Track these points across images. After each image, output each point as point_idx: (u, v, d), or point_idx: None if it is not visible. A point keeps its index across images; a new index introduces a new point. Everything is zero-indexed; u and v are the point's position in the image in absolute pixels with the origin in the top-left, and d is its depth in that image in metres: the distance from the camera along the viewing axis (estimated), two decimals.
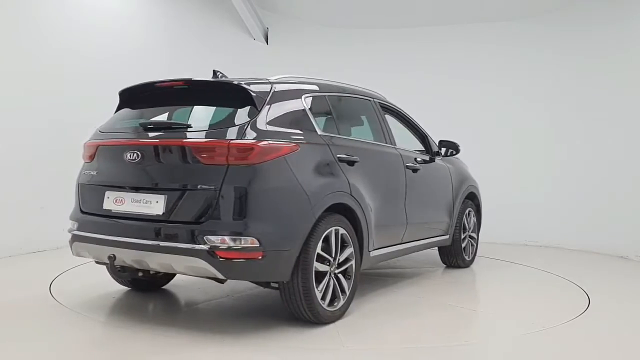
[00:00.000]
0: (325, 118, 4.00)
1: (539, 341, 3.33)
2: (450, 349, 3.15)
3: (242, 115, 3.27)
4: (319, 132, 3.63)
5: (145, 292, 4.20)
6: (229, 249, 3.00)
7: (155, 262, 3.21)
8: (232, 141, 3.10)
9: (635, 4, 6.61)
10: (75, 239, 3.51)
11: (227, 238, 3.00)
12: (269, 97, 3.38)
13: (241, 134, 3.14)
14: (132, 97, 3.76)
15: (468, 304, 4.26)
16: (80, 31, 6.30)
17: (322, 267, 3.35)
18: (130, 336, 3.19)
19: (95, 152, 3.56)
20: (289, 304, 3.32)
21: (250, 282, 3.57)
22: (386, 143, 4.39)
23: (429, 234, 4.89)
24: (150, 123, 3.48)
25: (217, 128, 3.29)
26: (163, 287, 4.34)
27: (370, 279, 4.97)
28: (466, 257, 5.50)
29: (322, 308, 3.33)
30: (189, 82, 3.50)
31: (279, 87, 3.52)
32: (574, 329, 3.56)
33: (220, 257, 3.00)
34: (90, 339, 3.18)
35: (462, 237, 5.39)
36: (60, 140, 5.76)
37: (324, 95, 3.94)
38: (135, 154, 3.28)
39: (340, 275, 3.51)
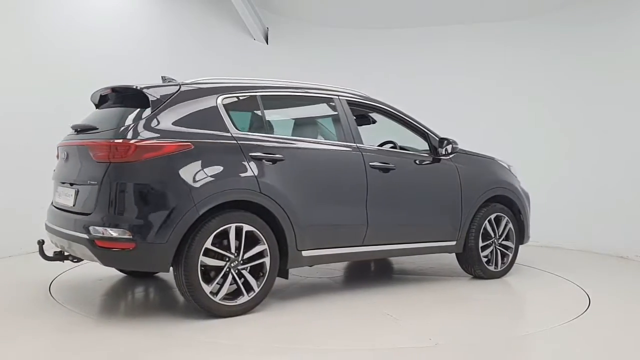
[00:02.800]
0: (254, 117, 4.13)
1: (538, 341, 3.33)
2: (318, 352, 3.04)
3: (137, 116, 3.56)
4: (233, 131, 3.71)
5: (142, 285, 4.30)
6: (105, 238, 3.32)
7: (70, 248, 3.67)
8: (113, 140, 3.42)
9: (635, 3, 6.61)
10: (45, 227, 4.04)
11: (104, 229, 3.33)
12: (169, 99, 3.61)
13: (126, 133, 3.44)
14: (97, 102, 4.20)
15: (405, 312, 3.85)
16: (80, 31, 6.30)
17: (213, 262, 3.47)
18: (130, 336, 3.20)
19: (57, 152, 4.13)
20: (180, 293, 3.57)
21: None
22: (347, 141, 4.25)
23: (419, 238, 4.61)
24: (77, 126, 3.89)
25: (113, 129, 3.55)
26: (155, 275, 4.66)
27: (355, 280, 4.96)
28: (490, 268, 4.94)
29: (212, 301, 3.45)
30: (113, 89, 3.89)
31: (186, 90, 3.73)
32: (574, 329, 3.56)
33: (99, 246, 3.33)
34: (90, 339, 3.17)
35: (483, 244, 4.87)
36: (60, 140, 5.76)
37: (255, 95, 4.00)
38: (64, 154, 3.86)
39: (245, 272, 3.58)
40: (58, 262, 3.96)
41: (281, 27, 8.82)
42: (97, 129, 3.67)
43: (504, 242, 5.08)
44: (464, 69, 8.03)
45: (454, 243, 4.78)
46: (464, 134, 6.56)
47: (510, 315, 3.98)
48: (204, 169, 3.51)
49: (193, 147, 3.50)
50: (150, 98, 3.58)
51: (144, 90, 3.62)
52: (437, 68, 8.15)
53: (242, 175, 3.62)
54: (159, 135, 3.46)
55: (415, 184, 4.59)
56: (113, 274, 4.64)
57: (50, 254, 3.91)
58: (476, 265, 4.88)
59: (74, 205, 3.60)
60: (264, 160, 3.72)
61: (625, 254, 6.45)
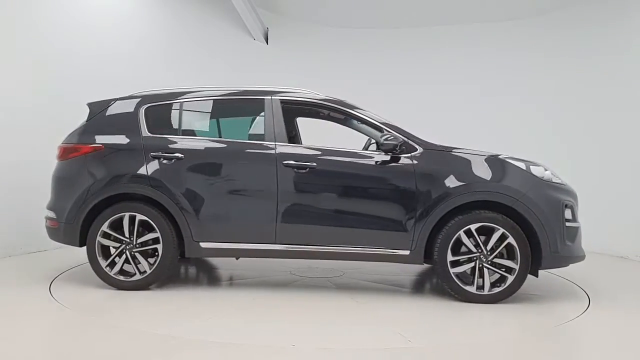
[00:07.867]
0: (173, 121, 4.60)
1: (538, 341, 3.33)
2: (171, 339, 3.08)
3: (81, 124, 4.55)
4: (145, 134, 4.37)
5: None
6: (47, 218, 4.47)
7: None
8: (59, 144, 4.54)
9: (635, 3, 6.62)
10: None
11: (48, 211, 4.46)
12: (102, 110, 4.53)
13: (66, 138, 4.52)
14: None
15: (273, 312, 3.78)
16: (79, 31, 6.31)
17: (108, 243, 4.26)
18: (130, 336, 3.20)
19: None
20: None
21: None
22: (269, 140, 4.29)
23: (355, 242, 4.19)
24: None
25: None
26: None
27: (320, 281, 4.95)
28: (468, 289, 4.10)
29: (107, 274, 4.24)
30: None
31: (118, 101, 4.55)
32: (574, 329, 3.56)
33: (47, 225, 4.48)
34: (89, 339, 3.18)
35: (453, 258, 4.11)
36: (59, 140, 5.76)
37: (179, 102, 4.55)
38: None
39: (138, 255, 4.23)
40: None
41: (281, 27, 8.83)
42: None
43: (499, 261, 4.11)
44: (463, 68, 8.05)
45: (407, 252, 4.17)
46: (463, 134, 6.58)
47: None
48: (106, 167, 4.30)
49: (104, 148, 4.32)
50: (89, 110, 4.52)
51: (89, 104, 4.55)
52: (436, 67, 8.17)
53: (135, 172, 4.26)
54: (84, 139, 4.40)
55: (345, 184, 4.25)
56: None
57: None
58: (445, 283, 4.16)
59: None
60: (162, 159, 4.26)
61: (625, 254, 6.45)
